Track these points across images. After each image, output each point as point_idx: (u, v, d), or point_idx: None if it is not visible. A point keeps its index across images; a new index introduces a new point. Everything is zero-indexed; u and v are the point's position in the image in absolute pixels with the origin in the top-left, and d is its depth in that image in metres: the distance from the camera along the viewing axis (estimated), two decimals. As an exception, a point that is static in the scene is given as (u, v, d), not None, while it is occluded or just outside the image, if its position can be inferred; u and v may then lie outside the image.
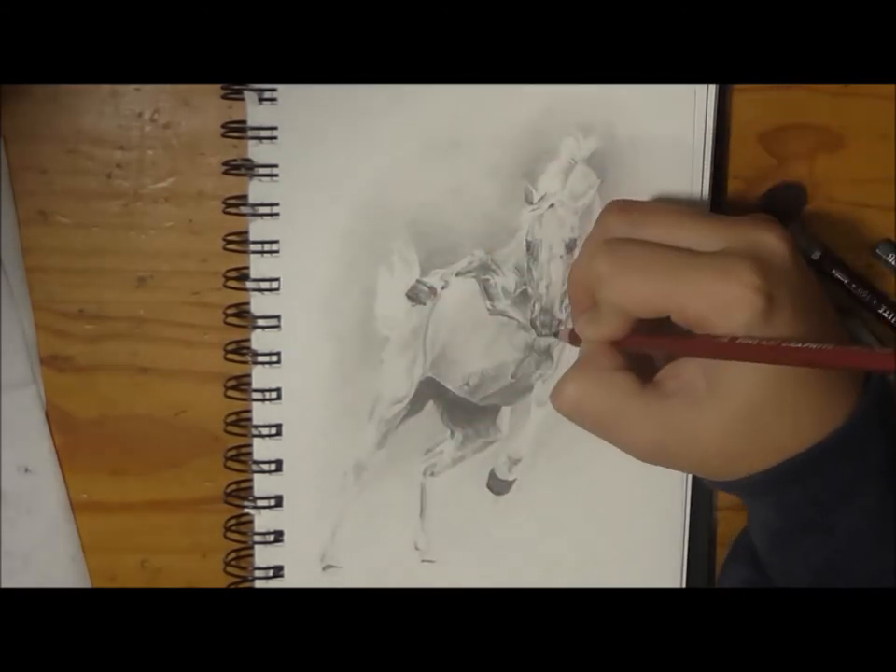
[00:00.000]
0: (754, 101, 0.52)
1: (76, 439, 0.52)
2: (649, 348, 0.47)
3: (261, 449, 0.51)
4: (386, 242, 0.51)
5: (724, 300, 0.42)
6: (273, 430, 0.51)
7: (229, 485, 0.52)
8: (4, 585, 0.52)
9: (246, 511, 0.52)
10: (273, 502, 0.52)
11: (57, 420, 0.52)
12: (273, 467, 0.51)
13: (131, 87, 0.51)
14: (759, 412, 0.43)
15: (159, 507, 0.53)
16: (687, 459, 0.46)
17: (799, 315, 0.43)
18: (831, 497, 0.44)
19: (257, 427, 0.51)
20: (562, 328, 0.52)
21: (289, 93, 0.50)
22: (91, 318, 0.51)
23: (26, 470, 0.52)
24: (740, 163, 0.52)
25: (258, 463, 0.51)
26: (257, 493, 0.52)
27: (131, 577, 0.53)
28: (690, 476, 0.53)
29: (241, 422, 0.52)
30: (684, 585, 0.53)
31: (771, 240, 0.44)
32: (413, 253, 0.51)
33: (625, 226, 0.46)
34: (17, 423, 0.51)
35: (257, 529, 0.52)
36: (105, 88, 0.50)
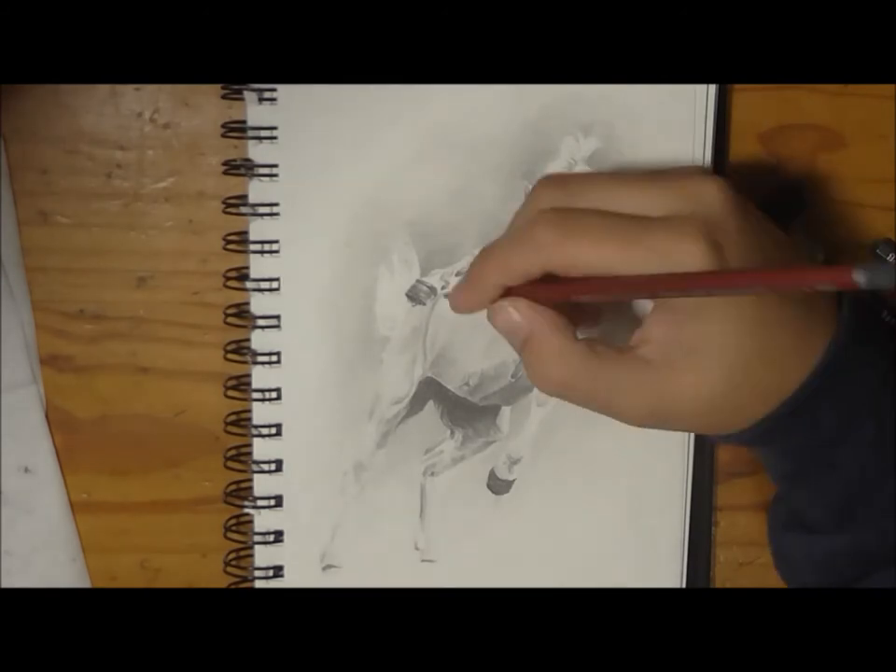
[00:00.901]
0: (754, 101, 0.52)
1: (76, 439, 0.52)
2: (593, 296, 0.45)
3: (261, 449, 0.51)
4: (386, 242, 0.51)
5: (676, 262, 0.41)
6: (273, 430, 0.51)
7: (229, 485, 0.52)
8: (4, 585, 0.52)
9: (246, 510, 0.52)
10: (272, 502, 0.52)
11: (57, 420, 0.52)
12: (272, 467, 0.51)
13: (131, 87, 0.51)
14: (742, 363, 0.43)
15: (159, 507, 0.52)
16: (684, 421, 0.45)
17: (753, 259, 0.43)
18: (830, 431, 0.45)
19: (257, 426, 0.51)
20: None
21: (289, 93, 0.50)
22: (91, 318, 0.51)
23: (26, 470, 0.52)
24: (740, 163, 0.52)
25: (258, 463, 0.51)
26: (257, 493, 0.52)
27: (131, 577, 0.53)
28: (690, 476, 0.53)
29: (241, 422, 0.52)
30: (684, 585, 0.53)
31: (711, 192, 0.43)
32: (413, 253, 0.51)
33: (564, 197, 0.45)
34: (17, 423, 0.51)
35: (257, 529, 0.52)
36: (105, 88, 0.50)
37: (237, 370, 0.51)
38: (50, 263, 0.51)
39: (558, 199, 0.45)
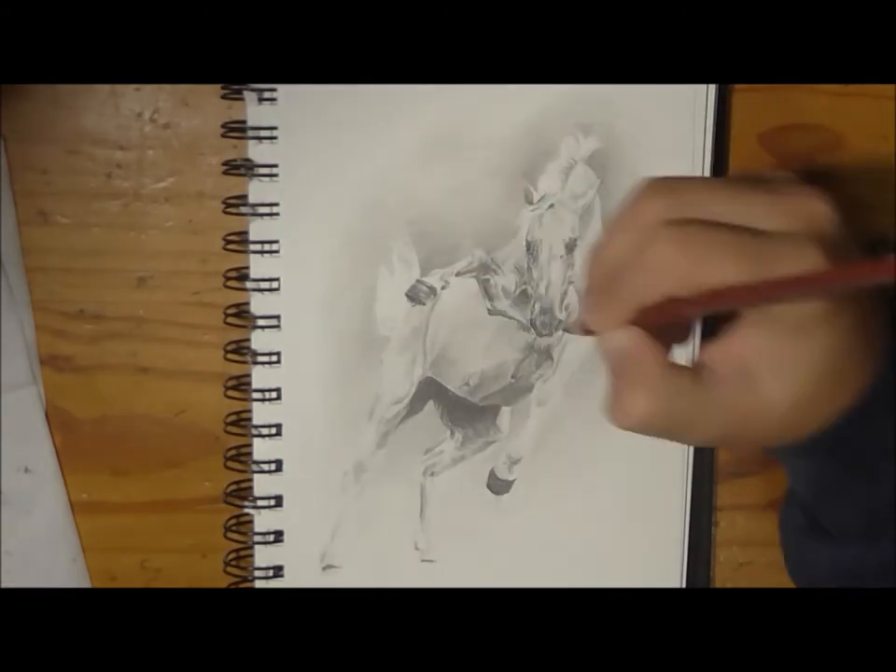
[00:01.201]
0: (754, 101, 0.52)
1: (76, 439, 0.52)
2: (686, 313, 0.43)
3: (261, 449, 0.51)
4: (386, 242, 0.51)
5: None
6: (273, 430, 0.51)
7: (229, 485, 0.52)
8: (4, 585, 0.52)
9: (246, 510, 0.52)
10: (272, 502, 0.52)
11: (57, 420, 0.52)
12: (272, 467, 0.51)
13: (131, 87, 0.51)
14: (819, 378, 0.42)
15: (159, 507, 0.53)
16: (758, 437, 0.44)
17: None
18: (875, 445, 0.44)
19: (257, 427, 0.51)
20: (569, 320, 0.51)
21: (289, 93, 0.50)
22: (91, 318, 0.51)
23: (26, 470, 0.52)
24: (740, 163, 0.52)
25: (258, 463, 0.51)
26: (257, 493, 0.52)
27: (131, 577, 0.53)
28: (690, 476, 0.53)
29: (241, 422, 0.52)
30: (684, 585, 0.53)
31: (823, 210, 0.42)
32: (412, 253, 0.51)
33: (677, 207, 0.41)
34: (17, 423, 0.51)
35: (257, 529, 0.52)
36: (105, 88, 0.51)
37: (237, 370, 0.51)
38: (50, 263, 0.51)
39: (671, 208, 0.41)
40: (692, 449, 0.53)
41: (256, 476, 0.52)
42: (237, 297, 0.51)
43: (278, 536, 0.52)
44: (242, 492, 0.52)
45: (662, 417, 0.42)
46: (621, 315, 0.42)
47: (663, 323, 0.42)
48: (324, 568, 0.52)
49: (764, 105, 0.52)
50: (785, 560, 0.50)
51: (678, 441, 0.44)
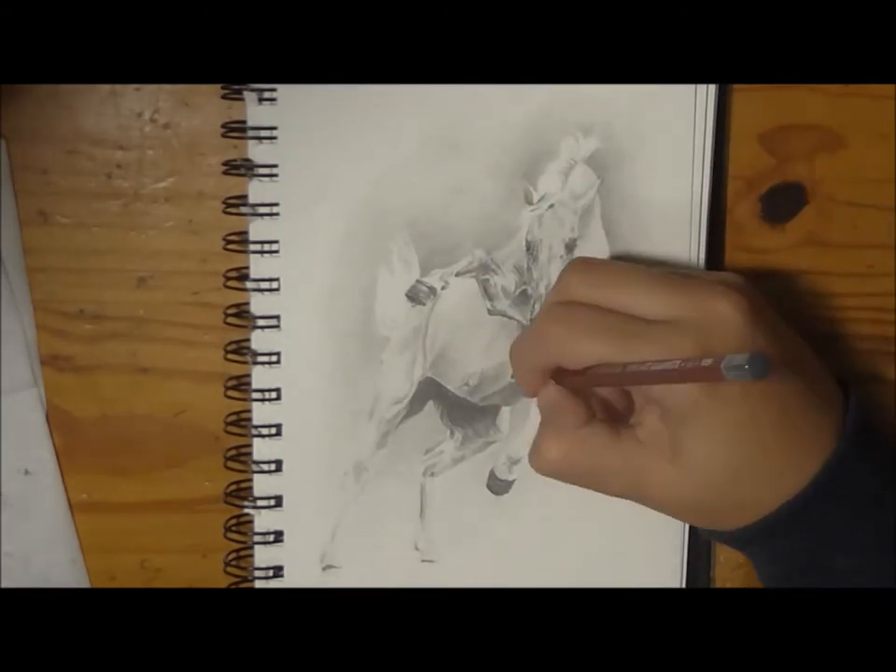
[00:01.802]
0: (754, 101, 0.52)
1: (76, 439, 0.52)
2: (581, 385, 0.47)
3: (261, 449, 0.51)
4: (386, 242, 0.51)
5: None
6: (273, 430, 0.51)
7: (229, 485, 0.52)
8: (4, 586, 0.52)
9: (246, 511, 0.52)
10: (272, 502, 0.52)
11: (57, 420, 0.52)
12: (272, 467, 0.51)
13: (131, 87, 0.51)
14: (729, 474, 0.44)
15: (159, 507, 0.52)
16: (666, 508, 0.47)
17: (748, 385, 0.43)
18: (822, 540, 0.45)
19: (257, 427, 0.51)
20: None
21: (289, 93, 0.50)
22: (91, 318, 0.51)
23: (26, 472, 0.52)
24: (740, 163, 0.52)
25: (258, 463, 0.51)
26: (257, 493, 0.52)
27: (131, 577, 0.53)
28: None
29: (241, 422, 0.52)
30: (684, 585, 0.53)
31: (724, 309, 0.44)
32: (412, 253, 0.51)
33: (584, 287, 0.47)
34: (17, 425, 0.51)
35: (257, 529, 0.52)
36: (105, 88, 0.50)
37: (237, 370, 0.51)
38: (50, 263, 0.51)
39: (580, 288, 0.47)
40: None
41: (256, 476, 0.51)
42: (237, 297, 0.51)
43: (278, 536, 0.52)
44: (242, 492, 0.52)
45: (570, 466, 0.47)
46: (536, 379, 0.47)
47: (586, 387, 0.47)
48: (324, 568, 0.52)
49: (764, 104, 0.52)
50: None
51: (593, 489, 0.47)
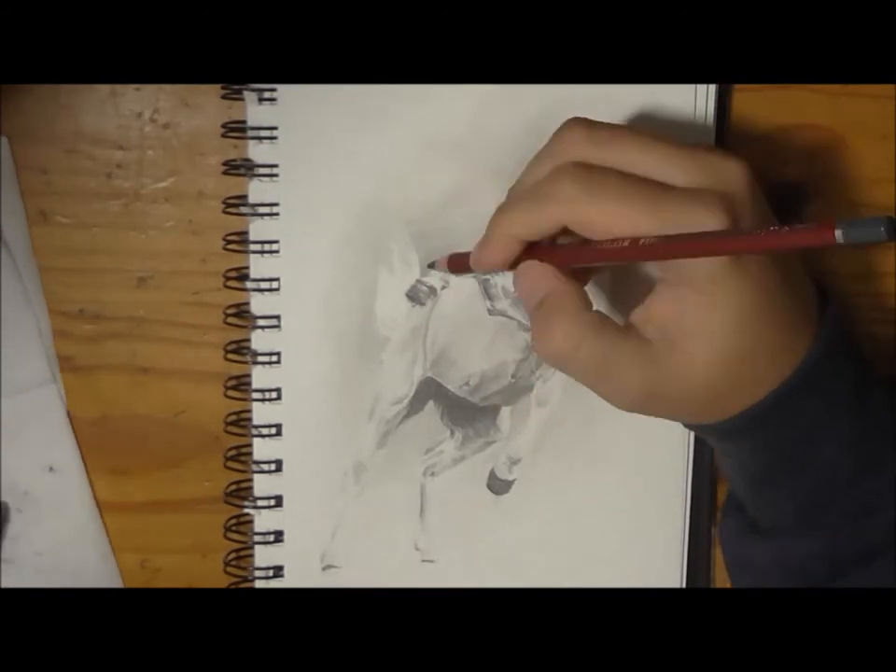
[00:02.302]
0: (754, 101, 0.52)
1: (76, 439, 0.52)
2: (582, 262, 0.45)
3: (261, 449, 0.51)
4: (386, 242, 0.51)
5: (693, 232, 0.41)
6: (273, 430, 0.51)
7: (229, 485, 0.52)
8: (35, 584, 0.51)
9: (246, 511, 0.52)
10: (273, 502, 0.52)
11: (56, 420, 0.52)
12: (273, 467, 0.51)
13: (131, 87, 0.51)
14: (741, 349, 0.43)
15: (159, 507, 0.53)
16: (674, 404, 0.45)
17: (761, 258, 0.43)
18: (805, 431, 0.45)
19: (257, 427, 0.51)
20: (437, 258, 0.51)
21: (289, 93, 0.50)
22: (91, 318, 0.51)
23: (51, 469, 0.52)
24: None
25: (258, 463, 0.51)
26: (257, 493, 0.52)
27: (131, 577, 0.53)
28: (690, 476, 0.53)
29: (241, 422, 0.52)
30: (684, 585, 0.53)
31: (735, 172, 0.43)
32: (413, 253, 0.51)
33: (590, 145, 0.44)
34: (39, 422, 0.51)
35: (257, 529, 0.52)
36: (105, 88, 0.50)
37: (237, 370, 0.51)
38: (50, 263, 0.51)
39: (585, 148, 0.44)
40: (692, 448, 0.53)
41: (256, 476, 0.51)
42: (237, 297, 0.51)
43: (278, 536, 0.52)
44: (242, 492, 0.52)
45: (589, 352, 0.43)
46: (512, 249, 0.44)
47: (572, 266, 0.44)
48: (324, 568, 0.52)
49: (764, 104, 0.52)
50: (728, 570, 0.51)
51: (598, 386, 0.44)
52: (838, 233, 0.36)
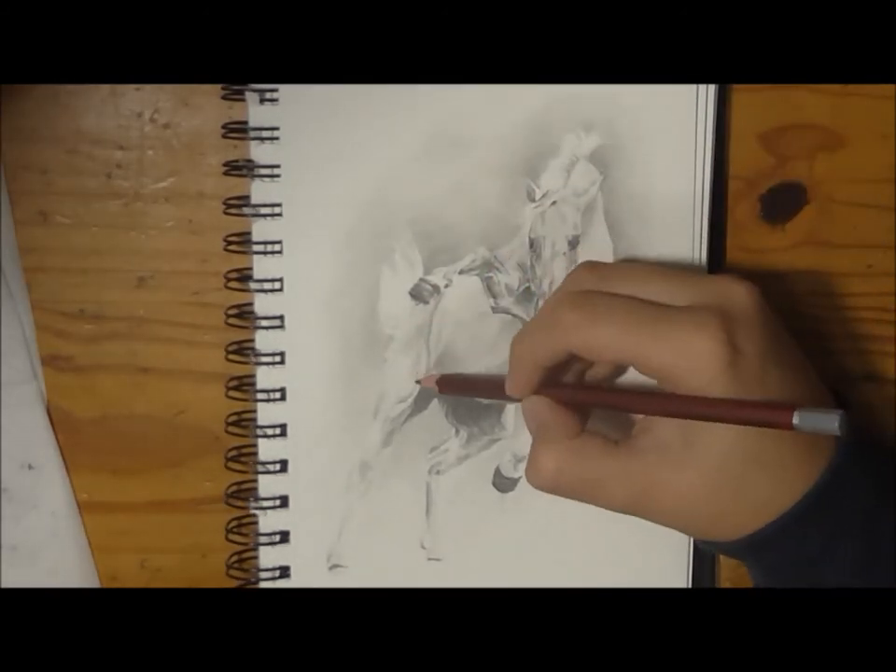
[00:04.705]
0: (754, 101, 0.52)
1: (76, 438, 0.52)
2: (576, 401, 0.47)
3: (266, 449, 0.51)
4: (389, 241, 0.51)
5: (691, 352, 0.42)
6: (278, 430, 0.51)
7: (230, 486, 0.52)
8: (13, 582, 0.51)
9: (252, 511, 0.52)
10: (278, 503, 0.52)
11: (57, 420, 0.52)
12: (277, 467, 0.51)
13: (131, 87, 0.51)
14: (738, 470, 0.43)
15: (159, 507, 0.52)
16: (668, 516, 0.46)
17: (767, 369, 0.43)
18: (814, 553, 0.44)
19: (261, 427, 0.51)
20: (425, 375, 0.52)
21: (291, 93, 0.50)
22: (91, 318, 0.51)
23: (30, 467, 0.51)
24: (740, 163, 0.52)
25: (263, 464, 0.51)
26: (262, 493, 0.52)
27: (131, 577, 0.53)
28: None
29: (242, 422, 0.52)
30: (690, 585, 0.53)
31: (739, 293, 0.44)
32: (415, 252, 0.51)
33: (594, 280, 0.46)
34: (18, 420, 0.51)
35: (262, 530, 0.52)
36: (105, 88, 0.50)
37: (238, 370, 0.51)
38: (50, 263, 0.51)
39: (590, 282, 0.46)
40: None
41: (261, 477, 0.51)
42: (238, 297, 0.51)
43: (284, 536, 0.52)
44: (243, 493, 0.52)
45: (570, 479, 0.46)
46: (532, 377, 0.46)
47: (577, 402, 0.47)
48: (330, 568, 0.52)
49: (764, 105, 0.52)
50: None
51: (589, 502, 0.46)
52: (796, 419, 0.39)
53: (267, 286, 0.51)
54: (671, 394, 0.43)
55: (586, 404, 0.47)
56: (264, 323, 0.51)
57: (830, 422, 0.39)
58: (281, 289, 0.51)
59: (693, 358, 0.42)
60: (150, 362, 0.52)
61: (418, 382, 0.51)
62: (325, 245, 0.50)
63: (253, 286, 0.51)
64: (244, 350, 0.51)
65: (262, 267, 0.51)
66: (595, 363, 0.48)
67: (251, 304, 0.51)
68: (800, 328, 0.51)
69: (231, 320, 0.51)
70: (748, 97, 0.52)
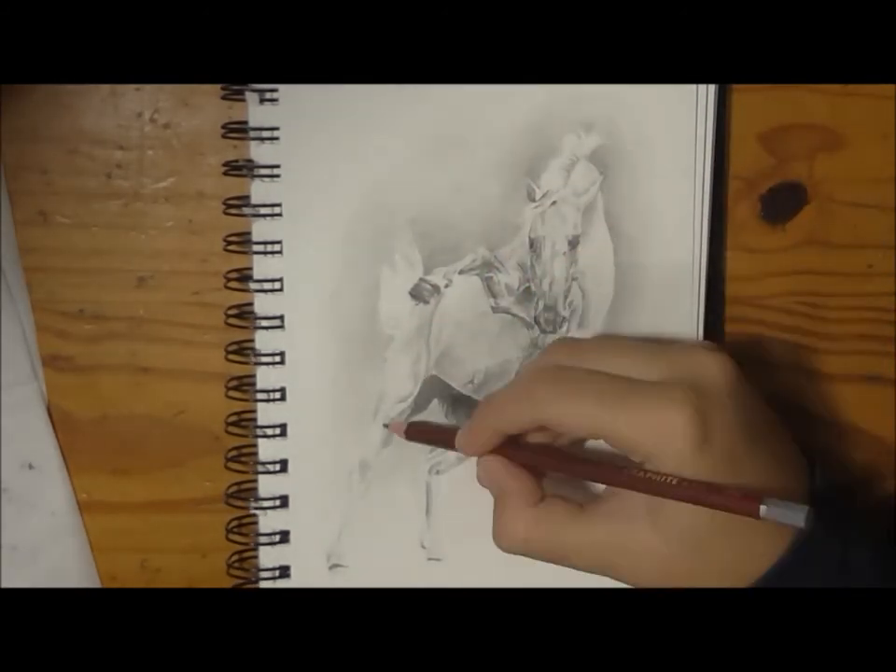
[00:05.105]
0: (754, 101, 0.52)
1: (76, 439, 0.52)
2: (534, 463, 0.48)
3: (266, 449, 0.51)
4: (389, 241, 0.51)
5: (661, 431, 0.43)
6: (278, 431, 0.51)
7: (230, 486, 0.52)
8: (13, 582, 0.51)
9: (252, 511, 0.52)
10: (278, 503, 0.51)
11: (57, 420, 0.52)
12: (278, 467, 0.51)
13: (131, 87, 0.50)
14: (703, 539, 0.43)
15: (159, 507, 0.52)
16: (639, 579, 0.45)
17: (738, 449, 0.43)
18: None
19: (261, 427, 0.51)
20: (393, 421, 0.52)
21: (291, 93, 0.50)
22: (91, 318, 0.51)
23: (30, 467, 0.51)
24: (740, 163, 0.52)
25: (263, 464, 0.51)
26: (262, 493, 0.51)
27: (131, 577, 0.53)
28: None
29: (242, 422, 0.51)
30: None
31: (710, 366, 0.44)
32: (415, 252, 0.51)
33: (568, 355, 0.47)
34: (19, 420, 0.51)
35: (262, 530, 0.52)
36: (105, 88, 0.50)
37: (238, 370, 0.51)
38: (50, 263, 0.51)
39: (564, 357, 0.47)
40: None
41: (261, 477, 0.51)
42: (237, 297, 0.51)
43: (284, 536, 0.52)
44: (244, 493, 0.52)
45: (538, 547, 0.46)
46: (492, 440, 0.47)
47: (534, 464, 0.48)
48: (330, 568, 0.52)
49: (764, 104, 0.52)
50: None
51: (561, 565, 0.46)
52: (762, 510, 0.40)
53: (267, 286, 0.50)
54: (637, 470, 0.43)
55: (548, 469, 0.48)
56: (264, 323, 0.51)
57: (796, 516, 0.40)
58: (281, 289, 0.50)
59: (663, 437, 0.42)
60: (150, 362, 0.52)
61: (386, 426, 0.51)
62: (325, 245, 0.50)
63: (253, 286, 0.51)
64: (244, 350, 0.51)
65: (262, 267, 0.51)
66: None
67: (251, 304, 0.51)
68: (800, 327, 0.51)
69: (231, 320, 0.51)
70: (748, 97, 0.52)
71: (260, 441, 0.51)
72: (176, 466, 0.52)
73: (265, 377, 0.51)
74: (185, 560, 0.53)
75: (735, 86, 0.52)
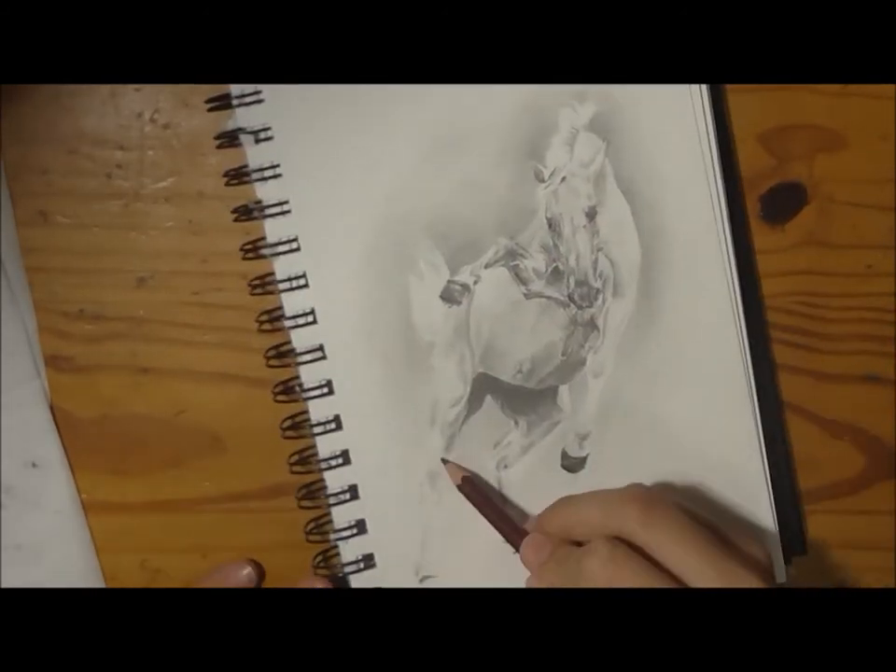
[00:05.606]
0: (754, 101, 0.52)
1: (76, 439, 0.52)
2: None
3: (334, 480, 0.51)
4: (410, 251, 0.51)
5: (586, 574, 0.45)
6: (341, 460, 0.51)
7: (308, 523, 0.52)
8: (17, 581, 0.51)
9: (333, 544, 0.52)
10: (356, 530, 0.51)
11: (57, 420, 0.51)
12: (348, 496, 0.51)
13: (131, 87, 0.51)
14: None
15: (159, 507, 0.52)
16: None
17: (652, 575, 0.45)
18: None
19: (324, 460, 0.51)
20: (450, 464, 0.52)
21: (284, 129, 0.50)
22: (91, 318, 0.51)
23: (33, 465, 0.51)
24: (740, 163, 0.52)
25: (334, 495, 0.51)
26: (337, 524, 0.51)
27: (131, 577, 0.53)
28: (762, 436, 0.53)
29: (303, 461, 0.51)
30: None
31: (631, 513, 0.45)
32: (438, 255, 0.51)
33: (639, 527, 0.46)
34: (22, 419, 0.51)
35: (345, 559, 0.52)
36: (105, 88, 0.50)
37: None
38: (50, 263, 0.51)
39: (634, 528, 0.46)
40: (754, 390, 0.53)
41: (334, 509, 0.51)
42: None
43: (368, 559, 0.52)
44: (321, 528, 0.52)
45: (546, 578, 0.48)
46: (547, 546, 0.49)
47: None
48: (421, 580, 0.52)
49: (764, 105, 0.52)
50: None
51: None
52: None
53: (301, 320, 0.51)
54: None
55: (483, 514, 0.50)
56: (306, 357, 0.51)
57: None
58: (314, 321, 0.51)
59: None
60: (150, 362, 0.52)
61: (444, 461, 0.51)
62: (348, 270, 0.51)
63: (287, 323, 0.51)
64: (289, 390, 0.51)
65: (291, 303, 0.51)
66: None
67: (289, 342, 0.51)
68: (800, 327, 0.51)
69: (272, 362, 0.51)
70: (747, 98, 0.52)
71: (326, 473, 0.51)
72: (176, 466, 0.52)
73: (317, 409, 0.51)
74: (184, 560, 0.53)
75: (734, 86, 0.52)
